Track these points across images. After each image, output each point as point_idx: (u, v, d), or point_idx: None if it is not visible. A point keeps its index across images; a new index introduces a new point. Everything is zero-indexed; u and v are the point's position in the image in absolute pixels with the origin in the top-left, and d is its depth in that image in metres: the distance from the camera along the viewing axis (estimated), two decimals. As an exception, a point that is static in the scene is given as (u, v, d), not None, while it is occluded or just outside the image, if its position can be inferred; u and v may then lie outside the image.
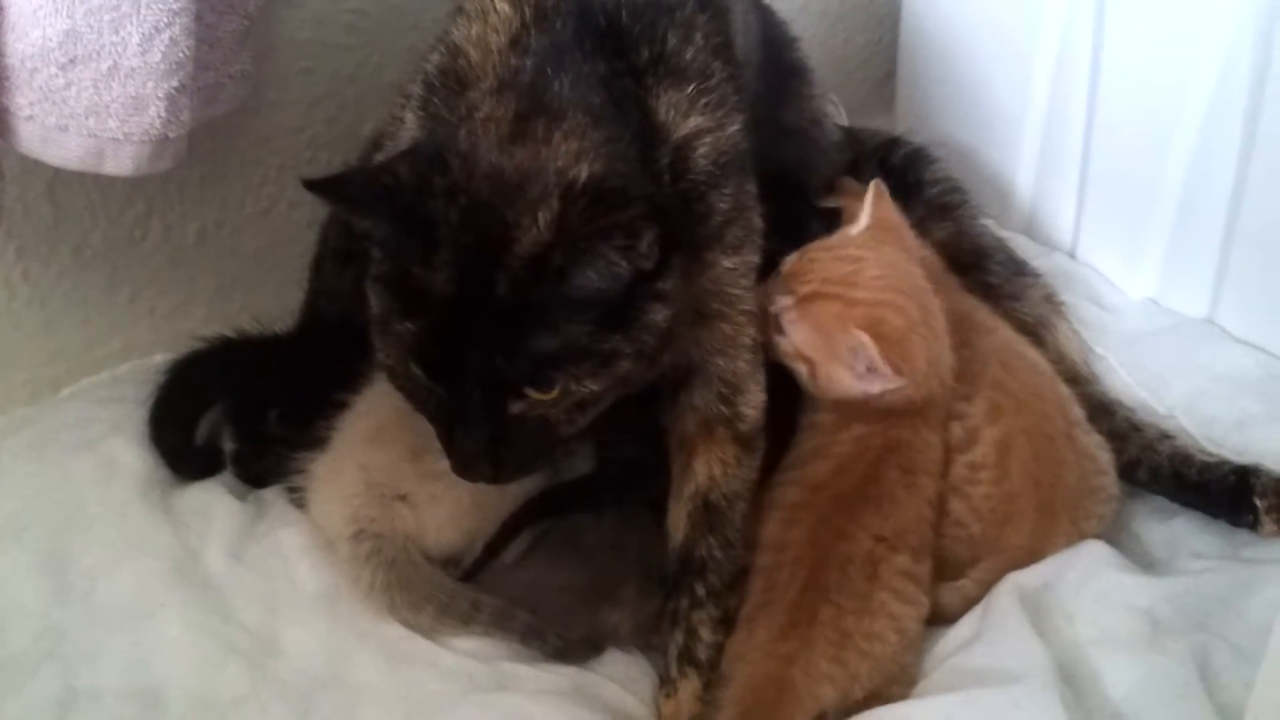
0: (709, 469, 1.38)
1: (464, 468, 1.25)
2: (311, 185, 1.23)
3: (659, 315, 1.23)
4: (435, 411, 1.25)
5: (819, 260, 1.41)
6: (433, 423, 1.26)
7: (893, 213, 1.49)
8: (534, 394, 1.19)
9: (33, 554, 1.37)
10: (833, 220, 1.64)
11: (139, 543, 1.39)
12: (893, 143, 1.89)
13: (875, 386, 1.35)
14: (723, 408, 1.38)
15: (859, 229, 1.43)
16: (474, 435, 1.21)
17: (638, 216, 1.15)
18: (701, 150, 1.32)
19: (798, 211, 1.62)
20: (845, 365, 1.36)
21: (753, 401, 1.40)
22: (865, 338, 1.33)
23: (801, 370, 1.40)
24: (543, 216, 1.15)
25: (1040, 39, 1.83)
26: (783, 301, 1.40)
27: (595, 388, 1.21)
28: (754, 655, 1.28)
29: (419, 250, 1.17)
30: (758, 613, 1.31)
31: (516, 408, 1.20)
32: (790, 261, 1.42)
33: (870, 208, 1.44)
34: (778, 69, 1.65)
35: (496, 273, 1.15)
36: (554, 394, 1.19)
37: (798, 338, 1.39)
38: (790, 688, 1.25)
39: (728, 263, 1.36)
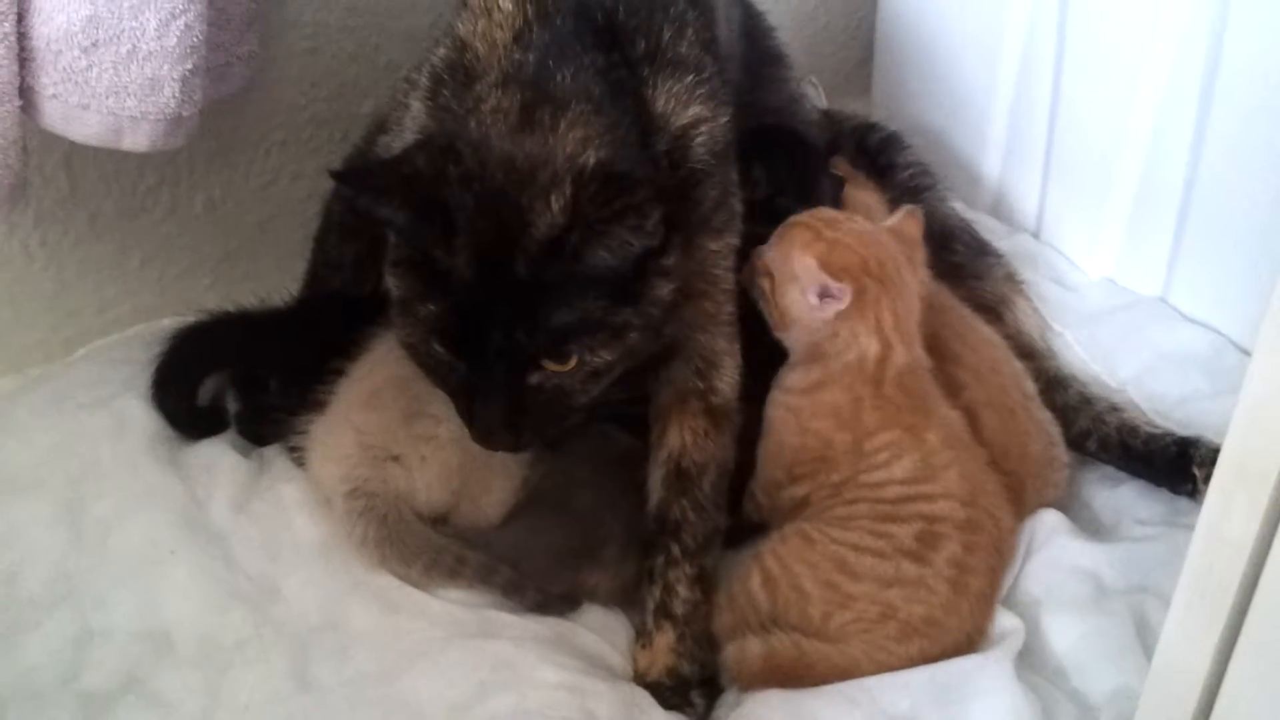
0: (681, 437, 1.44)
1: (485, 437, 1.31)
2: (337, 176, 1.29)
3: (664, 290, 1.30)
4: (456, 386, 1.30)
5: (819, 213, 1.48)
6: (453, 396, 1.32)
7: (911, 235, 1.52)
8: (552, 366, 1.26)
9: (50, 503, 1.42)
10: (838, 186, 1.69)
11: (149, 494, 1.44)
12: (869, 127, 1.92)
13: (829, 311, 1.39)
14: (698, 381, 1.44)
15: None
16: (495, 407, 1.27)
17: (646, 198, 1.20)
18: (699, 139, 1.37)
19: (809, 166, 1.67)
20: (799, 288, 1.41)
21: (727, 377, 1.45)
22: (811, 261, 1.39)
23: (764, 286, 1.45)
24: (556, 201, 1.21)
25: (1008, 30, 1.86)
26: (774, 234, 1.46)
27: (608, 358, 1.27)
28: None
29: (439, 236, 1.22)
30: None
31: (534, 379, 1.27)
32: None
33: (893, 221, 1.50)
34: (757, 56, 1.69)
35: (514, 254, 1.21)
36: (570, 365, 1.26)
37: (769, 253, 1.45)
38: None
39: (713, 245, 1.41)
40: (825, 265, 1.39)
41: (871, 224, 1.50)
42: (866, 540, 1.35)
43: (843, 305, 1.39)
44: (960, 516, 1.36)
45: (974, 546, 1.35)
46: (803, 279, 1.40)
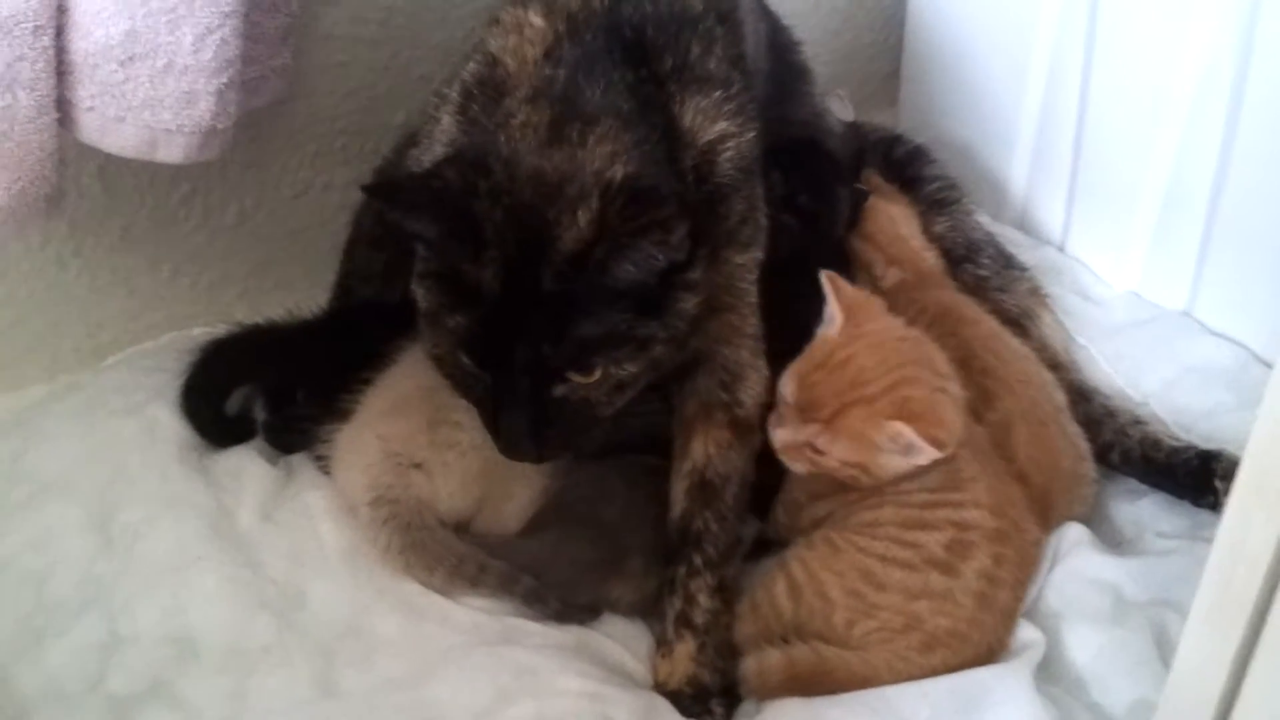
0: (705, 449, 1.44)
1: (510, 448, 1.31)
2: (369, 190, 1.32)
3: (689, 303, 1.31)
4: (483, 397, 1.31)
5: (820, 382, 1.39)
6: (479, 407, 1.33)
7: (855, 292, 1.46)
8: (576, 378, 1.26)
9: (80, 509, 1.44)
10: (859, 199, 1.72)
11: (177, 501, 1.45)
12: (895, 139, 1.93)
13: (924, 458, 1.34)
14: (722, 393, 1.44)
15: (835, 327, 1.41)
16: (520, 418, 1.28)
17: (672, 213, 1.21)
18: (726, 155, 1.38)
19: (824, 174, 1.68)
20: (889, 453, 1.35)
21: (751, 389, 1.45)
22: (900, 425, 1.33)
23: (856, 475, 1.38)
24: (583, 215, 1.22)
25: (1035, 44, 1.86)
26: (811, 430, 1.37)
27: (633, 370, 1.28)
28: None
29: (468, 249, 1.23)
30: None
31: (559, 391, 1.27)
32: (790, 391, 1.41)
33: (834, 300, 1.43)
34: (784, 71, 1.70)
35: (541, 268, 1.22)
36: (595, 377, 1.27)
37: (840, 453, 1.37)
38: None
39: (739, 259, 1.42)
40: (923, 432, 1.34)
41: (855, 338, 1.42)
42: (894, 551, 1.34)
43: (939, 455, 1.35)
44: (990, 526, 1.36)
45: (1002, 559, 1.35)
46: (896, 444, 1.35)
